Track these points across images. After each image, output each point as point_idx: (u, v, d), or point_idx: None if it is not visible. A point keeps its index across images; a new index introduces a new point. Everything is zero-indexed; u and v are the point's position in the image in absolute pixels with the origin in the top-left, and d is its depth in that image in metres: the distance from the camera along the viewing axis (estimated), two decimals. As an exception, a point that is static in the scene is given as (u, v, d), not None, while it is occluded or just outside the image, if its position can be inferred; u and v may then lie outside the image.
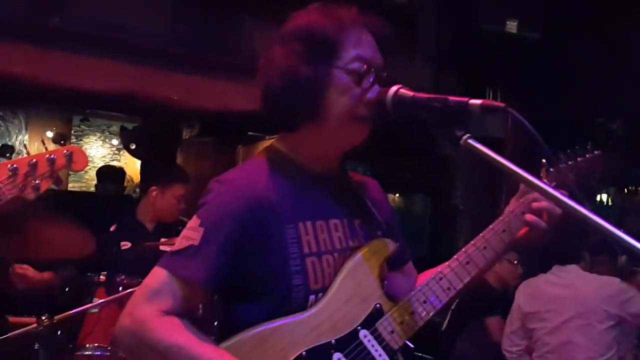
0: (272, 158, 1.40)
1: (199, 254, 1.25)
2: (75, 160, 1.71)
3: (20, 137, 7.80)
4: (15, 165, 1.64)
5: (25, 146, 7.67)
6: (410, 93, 1.28)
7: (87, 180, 7.98)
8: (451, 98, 1.21)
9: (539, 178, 1.43)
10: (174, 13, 3.81)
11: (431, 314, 1.38)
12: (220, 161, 7.25)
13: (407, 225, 6.00)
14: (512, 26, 4.19)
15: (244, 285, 1.30)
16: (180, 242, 1.28)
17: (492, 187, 4.57)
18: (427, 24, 4.38)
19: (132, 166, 8.00)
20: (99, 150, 8.38)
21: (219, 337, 1.29)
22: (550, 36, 4.30)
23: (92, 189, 7.36)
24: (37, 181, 1.65)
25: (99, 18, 3.62)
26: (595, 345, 3.09)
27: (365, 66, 1.34)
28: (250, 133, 7.05)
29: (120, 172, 6.03)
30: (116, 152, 8.41)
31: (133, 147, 5.78)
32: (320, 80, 1.33)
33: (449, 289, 1.38)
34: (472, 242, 1.44)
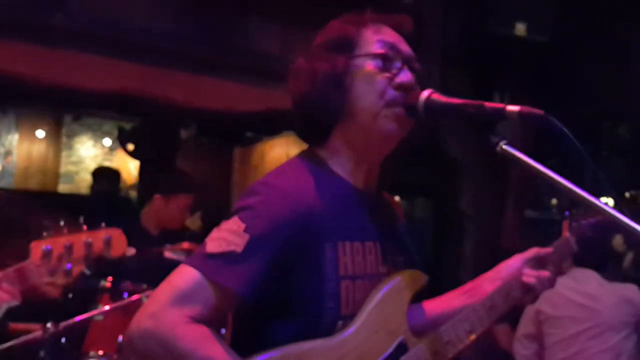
0: (314, 165, 1.32)
1: (242, 263, 1.15)
2: (113, 246, 1.63)
3: (9, 136, 7.66)
4: (50, 247, 1.55)
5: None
6: (443, 98, 1.24)
7: (76, 182, 7.86)
8: (487, 104, 1.17)
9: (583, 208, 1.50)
10: (179, 12, 3.75)
11: (454, 354, 1.35)
12: (216, 162, 7.19)
13: (410, 230, 5.95)
14: (521, 29, 4.16)
15: (274, 301, 1.21)
16: (218, 244, 1.17)
17: (498, 193, 4.54)
18: (436, 25, 4.34)
19: (124, 167, 7.87)
20: (91, 151, 8.26)
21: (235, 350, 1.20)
22: (559, 39, 4.28)
23: (83, 191, 7.23)
24: (69, 265, 1.56)
25: (101, 16, 3.57)
26: (610, 355, 3.05)
27: (388, 49, 1.30)
28: (247, 134, 6.99)
29: (116, 173, 5.92)
30: (108, 152, 8.28)
31: (131, 147, 5.67)
32: (340, 72, 1.28)
33: (470, 332, 1.36)
34: (496, 288, 1.43)
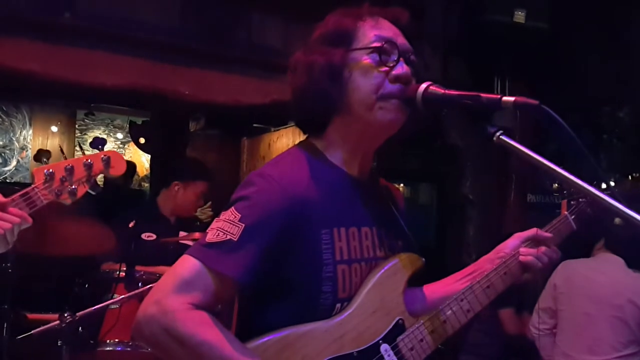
0: (310, 155, 1.37)
1: (238, 251, 1.21)
2: (113, 165, 1.69)
3: (24, 132, 7.79)
4: (51, 170, 1.63)
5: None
6: (441, 90, 1.27)
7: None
8: (483, 95, 1.21)
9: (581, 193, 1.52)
10: (183, 7, 3.81)
11: (451, 333, 1.38)
12: (225, 153, 7.28)
13: (414, 215, 6.02)
14: (520, 16, 4.18)
15: (272, 286, 1.27)
16: (215, 234, 1.23)
17: (500, 178, 4.60)
18: (435, 14, 4.38)
19: (136, 160, 8.01)
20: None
21: (236, 335, 1.26)
22: (558, 26, 4.30)
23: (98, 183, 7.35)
24: (73, 186, 1.64)
25: (109, 14, 3.63)
26: (621, 338, 3.04)
27: (384, 42, 1.32)
28: (255, 125, 7.07)
29: (130, 166, 6.02)
30: (121, 145, 8.41)
31: (142, 141, 5.78)
32: (337, 65, 1.31)
33: (468, 311, 1.39)
34: (493, 268, 1.44)
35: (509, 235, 1.55)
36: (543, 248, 1.45)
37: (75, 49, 3.62)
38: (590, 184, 1.09)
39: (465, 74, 4.44)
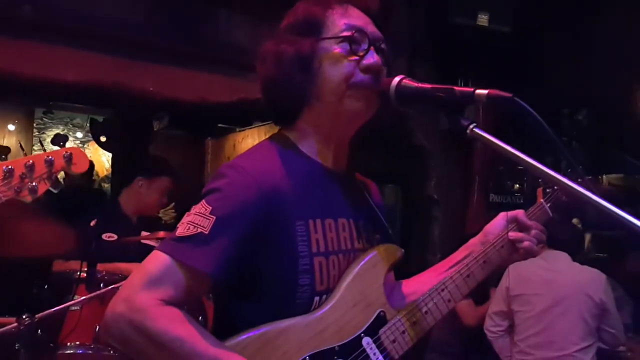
0: (283, 147, 1.35)
1: (209, 244, 1.17)
2: (75, 162, 1.63)
3: (-21, 130, 7.54)
4: (10, 167, 1.56)
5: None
6: (414, 83, 1.26)
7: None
8: (457, 88, 1.21)
9: (536, 197, 1.54)
10: (149, 2, 3.74)
11: (433, 324, 1.37)
12: (189, 154, 7.19)
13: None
14: (483, 19, 4.26)
15: (247, 281, 1.24)
16: (186, 228, 1.19)
17: (464, 178, 4.67)
18: (401, 17, 4.42)
19: (96, 160, 7.83)
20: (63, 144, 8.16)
21: (212, 332, 1.23)
22: (520, 29, 4.40)
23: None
24: (34, 183, 1.58)
25: (71, 8, 3.52)
26: (578, 332, 3.14)
27: (354, 32, 1.31)
28: (219, 125, 7.00)
29: (90, 165, 5.88)
30: (80, 145, 8.21)
31: (104, 139, 5.65)
32: (307, 54, 1.29)
33: (449, 301, 1.38)
34: (473, 255, 1.43)
35: (473, 235, 1.55)
36: (533, 231, 1.45)
37: (35, 43, 3.51)
38: (566, 175, 1.08)
39: (430, 76, 4.49)
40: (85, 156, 1.70)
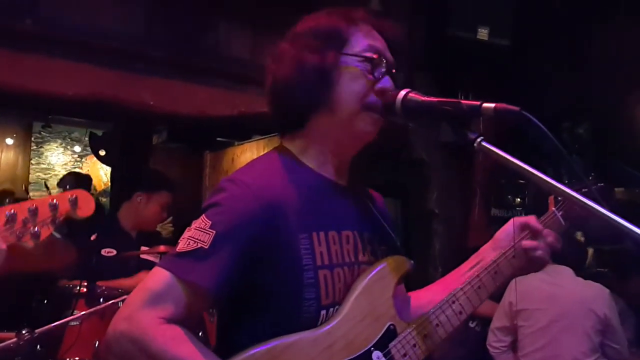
0: (285, 159, 1.34)
1: (209, 259, 1.16)
2: (80, 206, 1.60)
3: (-23, 144, 7.53)
4: (13, 211, 1.53)
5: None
6: (420, 97, 1.26)
7: (48, 190, 7.76)
8: (463, 101, 1.21)
9: (548, 205, 1.50)
10: (149, 15, 3.74)
11: (445, 337, 1.35)
12: (187, 167, 7.18)
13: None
14: (483, 33, 4.28)
15: (252, 296, 1.23)
16: (186, 243, 1.18)
17: (465, 192, 4.66)
18: (402, 32, 4.43)
19: (94, 174, 7.81)
20: (60, 158, 8.15)
21: (214, 351, 1.21)
22: (519, 43, 4.42)
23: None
24: (36, 228, 1.54)
25: (71, 21, 3.52)
26: (581, 347, 3.11)
27: (376, 55, 1.33)
28: (218, 139, 7.00)
29: (87, 179, 5.87)
30: (78, 159, 8.20)
31: (103, 153, 5.64)
32: (329, 65, 1.30)
33: (460, 313, 1.36)
34: (485, 266, 1.41)
35: (475, 249, 1.53)
36: (548, 238, 1.42)
37: (35, 56, 3.50)
38: (572, 187, 1.08)
39: (431, 89, 4.49)
40: (91, 199, 1.68)
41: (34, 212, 1.54)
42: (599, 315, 3.15)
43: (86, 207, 1.62)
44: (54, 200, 1.56)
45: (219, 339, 1.34)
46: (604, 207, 1.05)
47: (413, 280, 1.58)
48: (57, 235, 1.66)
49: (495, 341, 3.44)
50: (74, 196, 1.58)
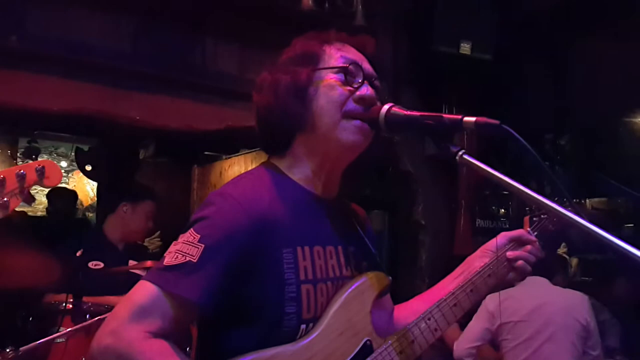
0: (272, 174, 1.36)
1: (198, 272, 1.16)
2: (47, 175, 1.58)
3: (-38, 160, 7.45)
4: None
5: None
6: (403, 111, 1.29)
7: (33, 205, 7.69)
8: (445, 115, 1.24)
9: (522, 225, 1.56)
10: (136, 30, 3.75)
11: (420, 353, 1.37)
12: (175, 181, 7.15)
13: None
14: (466, 48, 4.34)
15: (233, 309, 1.23)
16: (174, 257, 1.18)
17: (451, 204, 4.70)
18: (385, 45, 4.49)
19: (80, 189, 7.77)
20: (46, 173, 8.08)
21: None
22: (501, 57, 4.49)
23: (39, 213, 7.09)
24: (4, 199, 1.53)
25: (56, 36, 3.51)
26: (566, 356, 3.13)
27: (350, 64, 1.34)
28: (206, 153, 6.99)
29: (72, 194, 5.84)
30: (65, 174, 8.15)
31: (89, 168, 5.62)
32: (303, 82, 1.32)
33: (436, 330, 1.37)
34: (460, 285, 1.43)
35: (461, 260, 1.55)
36: (529, 247, 1.48)
37: (21, 72, 3.49)
38: (553, 199, 1.10)
39: (415, 103, 4.55)
40: (59, 169, 1.66)
41: (1, 183, 1.52)
42: (582, 322, 3.18)
43: (54, 177, 1.60)
44: (21, 171, 1.54)
45: (199, 349, 1.34)
46: (584, 219, 1.07)
47: (400, 292, 1.59)
48: (27, 204, 1.61)
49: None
50: (41, 166, 1.56)
